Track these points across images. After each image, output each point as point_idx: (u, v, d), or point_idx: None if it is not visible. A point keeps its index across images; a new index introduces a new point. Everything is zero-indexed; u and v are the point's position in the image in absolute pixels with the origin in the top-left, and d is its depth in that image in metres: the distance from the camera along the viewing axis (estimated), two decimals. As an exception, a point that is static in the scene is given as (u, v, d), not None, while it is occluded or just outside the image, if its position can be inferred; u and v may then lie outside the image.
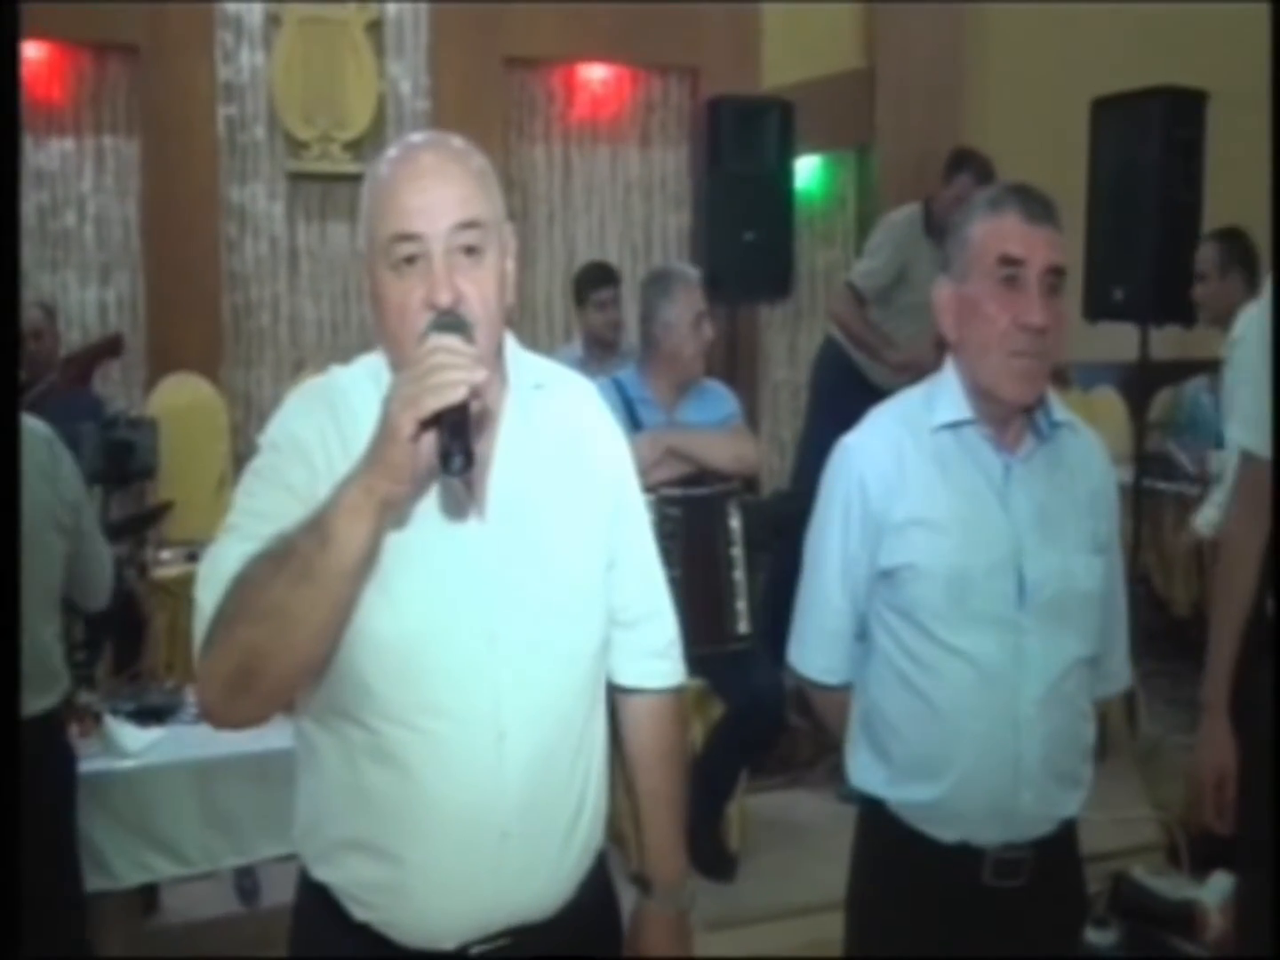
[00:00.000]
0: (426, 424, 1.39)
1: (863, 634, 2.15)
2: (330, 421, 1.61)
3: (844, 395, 4.68)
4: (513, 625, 1.61)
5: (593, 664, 1.72)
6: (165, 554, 5.21)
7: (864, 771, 2.14)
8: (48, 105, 6.13)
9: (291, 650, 1.47)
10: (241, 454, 6.14)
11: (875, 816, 2.13)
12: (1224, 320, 4.97)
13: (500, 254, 1.62)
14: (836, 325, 5.19)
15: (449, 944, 1.62)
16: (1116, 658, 2.21)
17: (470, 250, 1.56)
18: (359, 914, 1.63)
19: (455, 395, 1.39)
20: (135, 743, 3.36)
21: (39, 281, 6.14)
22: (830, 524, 2.13)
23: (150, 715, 3.57)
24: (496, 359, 1.63)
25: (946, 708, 2.01)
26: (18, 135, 1.79)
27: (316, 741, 1.65)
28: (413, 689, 1.56)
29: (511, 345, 1.70)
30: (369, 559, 1.46)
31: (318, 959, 1.71)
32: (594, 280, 5.50)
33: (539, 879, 1.65)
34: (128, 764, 3.24)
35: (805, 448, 5.42)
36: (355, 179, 6.24)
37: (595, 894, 1.76)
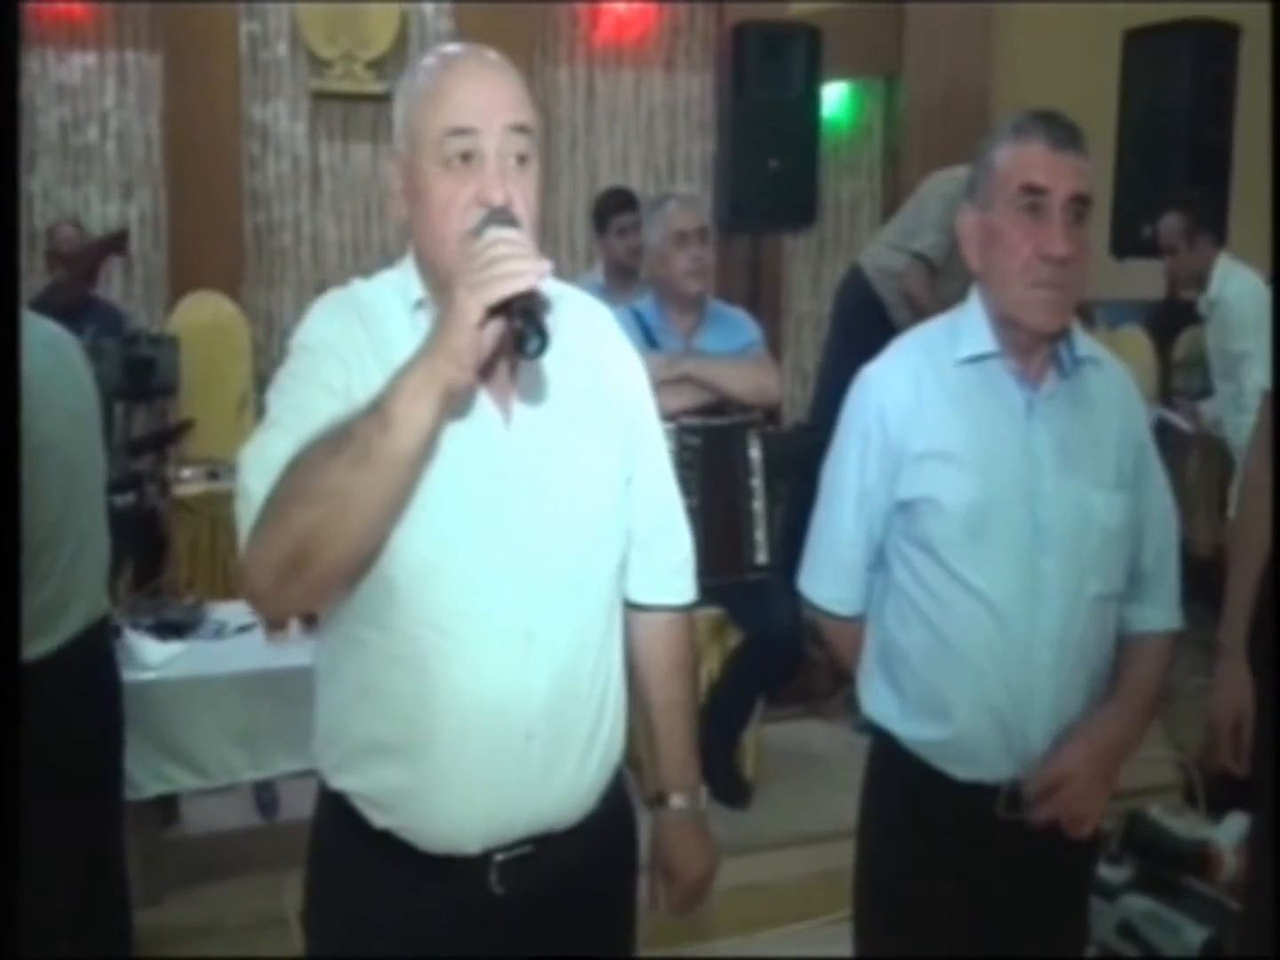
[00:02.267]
0: (493, 311, 1.41)
1: (876, 564, 2.15)
2: (360, 327, 1.63)
3: (865, 329, 4.64)
4: (538, 531, 1.62)
5: (612, 576, 1.75)
6: (186, 472, 5.24)
7: (878, 702, 2.15)
8: (70, 19, 6.09)
9: (346, 534, 1.45)
10: (263, 373, 6.13)
11: (887, 748, 2.13)
12: (1199, 282, 4.98)
13: (538, 167, 1.63)
14: (908, 300, 5.07)
15: (472, 848, 1.64)
16: (1161, 591, 2.19)
17: (520, 158, 1.59)
18: (379, 820, 1.65)
19: (524, 282, 1.40)
20: (155, 656, 3.40)
21: (60, 197, 6.13)
22: (848, 454, 2.12)
23: (170, 630, 3.61)
24: None
25: (961, 644, 2.01)
26: (15, 133, 1.78)
27: (338, 649, 1.67)
28: (440, 591, 1.58)
29: None
30: (427, 445, 1.46)
31: (338, 867, 1.73)
32: (615, 206, 5.46)
33: (561, 783, 1.67)
34: (148, 676, 3.28)
35: (824, 379, 5.39)
36: (378, 99, 6.28)
37: (614, 807, 1.78)
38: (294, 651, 3.46)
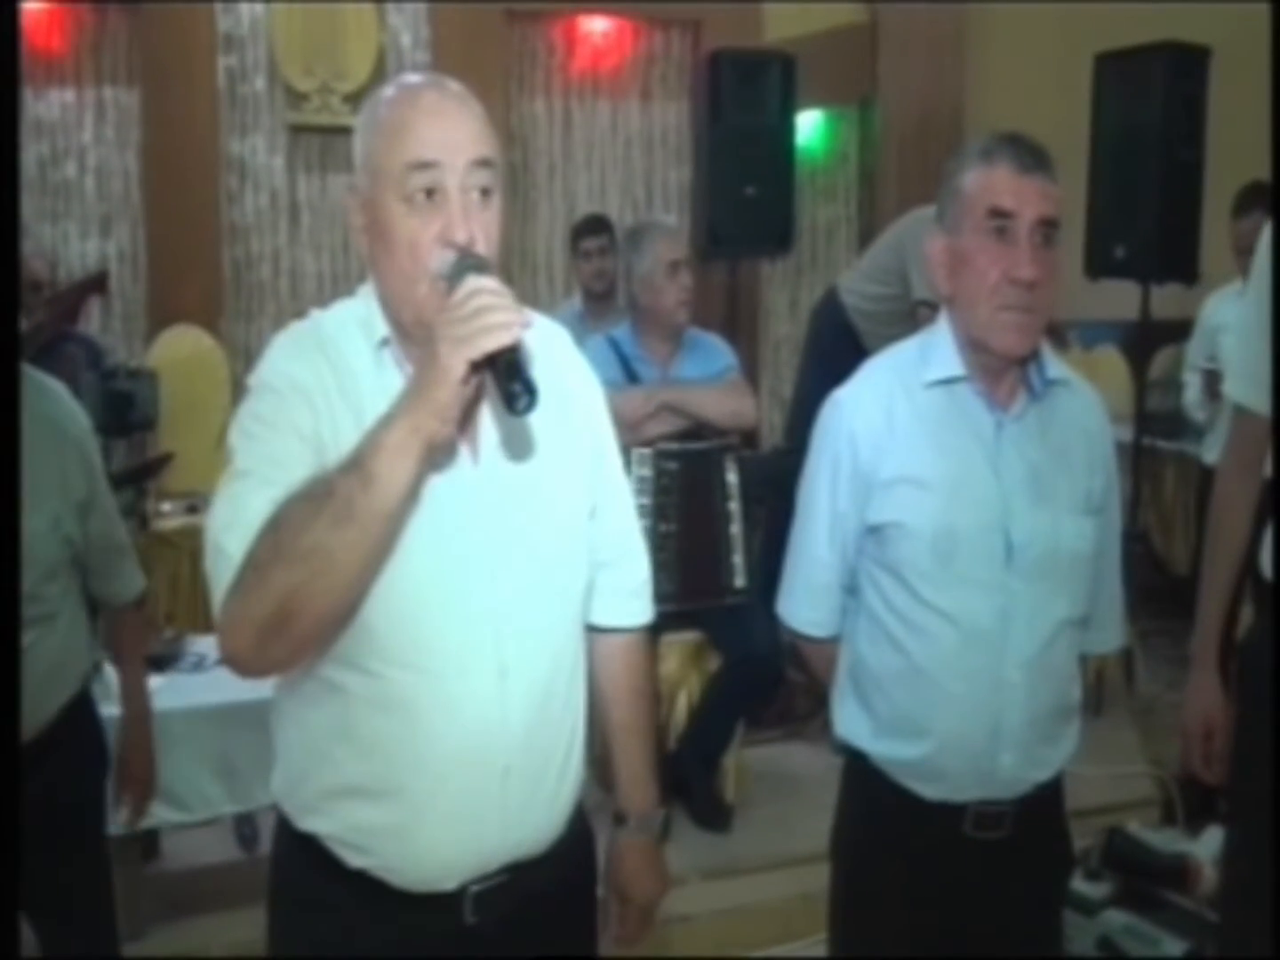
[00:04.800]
0: (477, 366, 1.40)
1: (853, 587, 2.16)
2: (326, 365, 1.61)
3: (839, 353, 4.66)
4: (511, 564, 1.62)
5: (580, 604, 1.76)
6: (165, 506, 5.23)
7: (850, 722, 2.16)
8: (48, 55, 6.08)
9: (330, 593, 1.44)
10: (242, 407, 6.13)
11: (859, 768, 2.15)
12: None
13: (501, 199, 1.63)
14: None
15: (450, 884, 1.64)
16: (1110, 616, 2.21)
17: (484, 191, 1.58)
18: (354, 861, 1.64)
19: (509, 336, 1.40)
20: (135, 690, 3.38)
21: (40, 233, 6.11)
22: (820, 478, 2.13)
23: (150, 663, 3.58)
24: None
25: (930, 668, 2.02)
26: (16, 140, 1.78)
27: (310, 693, 1.64)
28: (416, 631, 1.57)
29: None
30: (409, 499, 1.46)
31: (307, 907, 1.71)
32: (582, 230, 5.53)
33: (538, 813, 1.68)
34: (127, 711, 3.26)
35: (799, 402, 5.39)
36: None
37: (577, 830, 1.80)
38: (273, 684, 3.45)
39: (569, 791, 1.74)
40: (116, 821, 2.85)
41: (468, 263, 1.50)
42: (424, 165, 1.55)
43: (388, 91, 1.64)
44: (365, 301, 1.67)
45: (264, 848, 3.85)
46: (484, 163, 1.58)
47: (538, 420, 1.66)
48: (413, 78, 1.67)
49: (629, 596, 1.90)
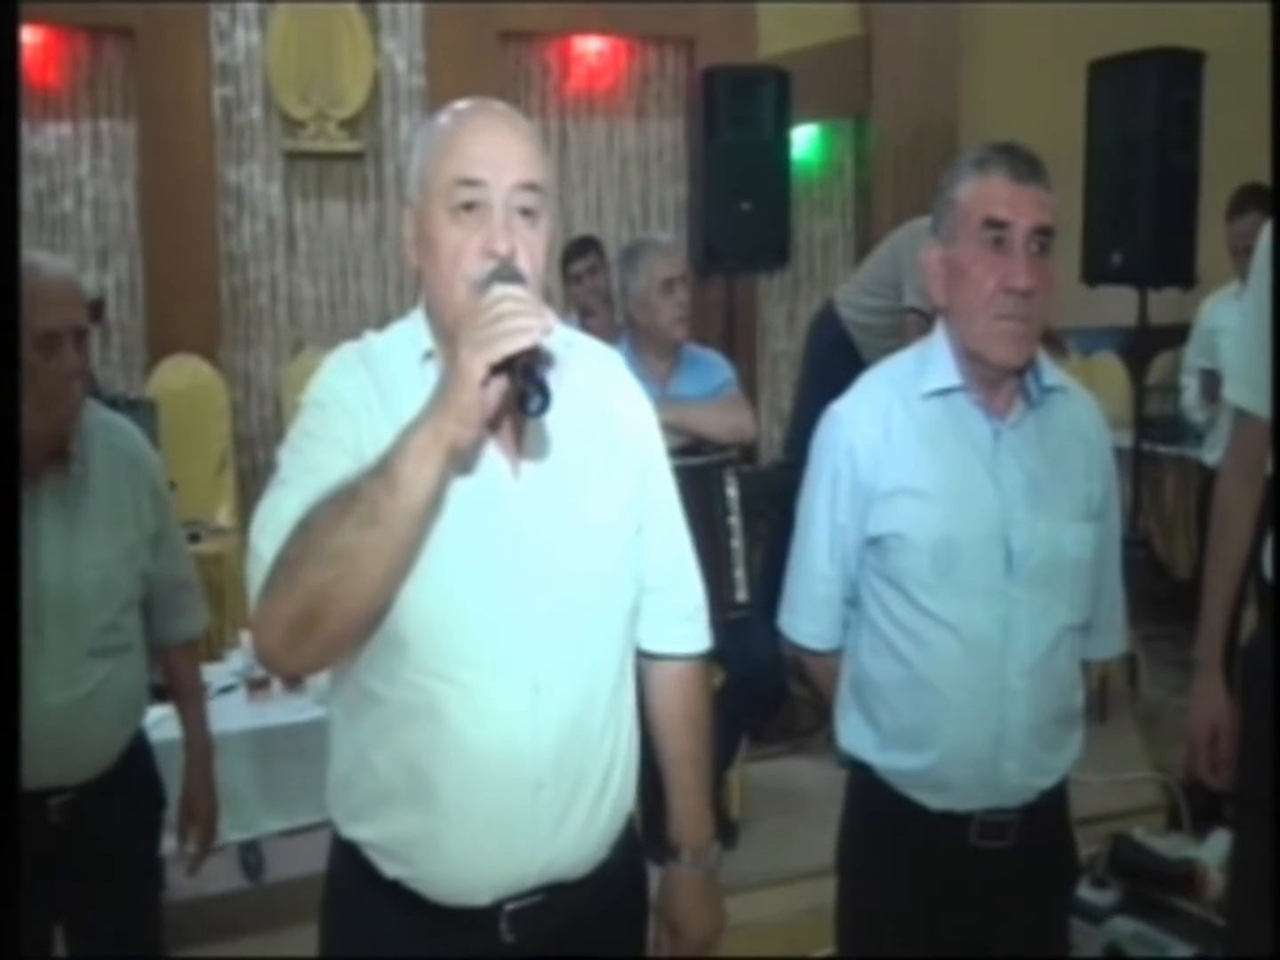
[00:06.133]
0: (497, 369, 1.43)
1: (854, 599, 2.15)
2: (371, 380, 1.65)
3: (837, 366, 4.66)
4: (546, 580, 1.63)
5: (624, 625, 1.75)
6: (167, 535, 5.22)
7: (853, 735, 2.16)
8: (44, 89, 6.11)
9: (356, 593, 1.47)
10: (242, 434, 6.15)
11: (864, 780, 2.14)
12: None
13: (548, 222, 1.65)
14: None
15: (483, 898, 1.64)
16: (1112, 621, 2.21)
17: (526, 212, 1.61)
18: (391, 870, 1.65)
19: (526, 340, 1.42)
20: (139, 720, 3.37)
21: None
22: (819, 492, 2.13)
23: (154, 693, 3.57)
24: None
25: (933, 678, 2.02)
26: (16, 159, 1.79)
27: (351, 700, 1.67)
28: (449, 642, 1.58)
29: None
30: (434, 503, 1.48)
31: (351, 917, 1.73)
32: (569, 255, 5.54)
33: (572, 833, 1.66)
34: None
35: (798, 416, 5.39)
36: (351, 157, 6.31)
37: (625, 857, 1.78)
38: (276, 711, 3.45)
39: (610, 814, 1.72)
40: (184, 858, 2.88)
41: (500, 273, 1.54)
42: (470, 182, 1.59)
43: (443, 114, 1.68)
44: (415, 320, 1.72)
45: (270, 875, 3.87)
46: (529, 186, 1.61)
47: (581, 439, 1.69)
48: (464, 103, 1.70)
49: (681, 623, 1.89)
